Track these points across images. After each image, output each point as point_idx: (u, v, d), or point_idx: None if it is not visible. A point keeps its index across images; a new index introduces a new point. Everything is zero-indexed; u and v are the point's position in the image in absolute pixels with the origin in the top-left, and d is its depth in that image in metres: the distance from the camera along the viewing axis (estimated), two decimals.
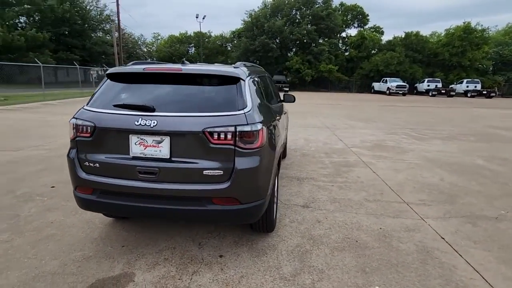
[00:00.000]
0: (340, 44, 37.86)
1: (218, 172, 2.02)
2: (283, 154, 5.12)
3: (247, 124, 2.05)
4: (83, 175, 2.16)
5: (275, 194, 2.89)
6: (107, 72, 2.36)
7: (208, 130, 1.98)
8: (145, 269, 2.23)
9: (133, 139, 2.05)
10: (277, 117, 3.04)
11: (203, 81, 2.23)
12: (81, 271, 2.18)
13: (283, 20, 33.16)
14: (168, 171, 2.03)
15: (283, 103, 4.52)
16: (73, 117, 2.19)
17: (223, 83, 2.22)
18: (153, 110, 2.05)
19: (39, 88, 17.49)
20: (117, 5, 23.49)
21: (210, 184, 2.03)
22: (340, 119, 11.13)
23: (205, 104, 2.14)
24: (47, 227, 2.79)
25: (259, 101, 2.49)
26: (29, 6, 29.50)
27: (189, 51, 42.42)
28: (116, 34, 23.62)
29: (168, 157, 2.04)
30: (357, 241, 2.70)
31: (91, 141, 2.11)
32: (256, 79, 2.72)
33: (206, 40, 41.64)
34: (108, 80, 2.33)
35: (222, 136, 1.99)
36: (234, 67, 2.41)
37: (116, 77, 2.33)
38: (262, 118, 2.26)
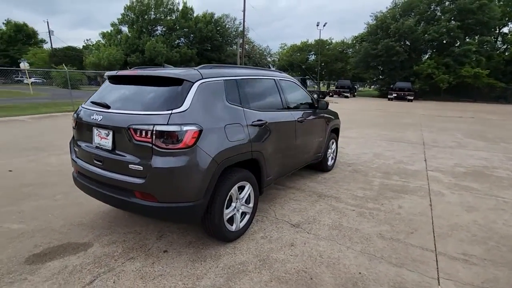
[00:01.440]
0: (499, 42, 29.58)
1: (138, 168, 2.14)
2: (321, 165, 4.61)
3: (167, 124, 2.07)
4: (73, 156, 2.74)
5: (243, 202, 2.72)
6: (105, 74, 2.87)
7: (133, 127, 2.13)
8: (103, 244, 2.60)
9: (95, 131, 2.44)
10: (267, 123, 2.87)
11: (153, 83, 2.40)
12: (68, 232, 2.77)
13: (414, 19, 28.83)
14: (109, 161, 2.32)
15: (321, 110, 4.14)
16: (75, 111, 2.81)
17: (168, 85, 2.32)
18: (108, 107, 2.38)
19: None
20: (243, 23, 26.61)
21: (132, 178, 2.17)
22: (453, 135, 8.79)
23: (147, 103, 2.29)
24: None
25: (217, 104, 2.44)
26: (186, 30, 37.54)
27: (309, 59, 43.09)
28: (240, 49, 26.85)
29: (111, 148, 2.31)
30: (312, 278, 2.20)
31: (76, 130, 2.66)
32: (229, 82, 2.65)
33: (327, 47, 41.21)
34: (107, 81, 2.84)
35: (143, 133, 2.10)
36: (191, 70, 2.46)
37: (109, 79, 2.80)
38: (202, 120, 2.22)
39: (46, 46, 49.34)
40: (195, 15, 38.23)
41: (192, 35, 38.12)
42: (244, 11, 25.29)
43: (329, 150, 4.81)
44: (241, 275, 2.21)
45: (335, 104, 20.94)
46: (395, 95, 25.44)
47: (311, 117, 3.95)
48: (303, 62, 41.38)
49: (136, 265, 2.32)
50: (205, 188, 2.24)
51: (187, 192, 2.18)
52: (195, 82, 2.34)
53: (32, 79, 42.37)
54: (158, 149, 2.07)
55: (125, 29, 38.28)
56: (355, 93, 31.42)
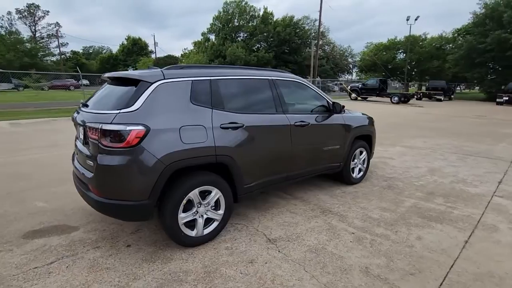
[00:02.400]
0: None
1: (90, 163, 2.27)
2: (342, 177, 4.06)
3: (111, 123, 2.13)
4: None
5: (209, 207, 2.60)
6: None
7: (87, 125, 2.27)
8: (86, 230, 2.87)
9: (78, 128, 2.71)
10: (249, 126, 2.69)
11: (121, 83, 2.50)
12: (70, 215, 3.16)
13: None
14: (79, 155, 2.54)
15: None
16: None
17: (129, 85, 2.38)
18: (87, 106, 2.61)
19: None
20: (319, 23, 25.78)
21: (88, 172, 2.32)
22: None
23: (108, 103, 2.40)
24: None
25: (176, 104, 2.40)
26: (265, 34, 38.75)
27: (396, 58, 38.73)
28: (314, 50, 26.06)
29: (83, 143, 2.53)
30: None
31: (75, 127, 3.01)
32: (199, 82, 2.57)
33: (419, 43, 36.25)
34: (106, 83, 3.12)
35: (93, 131, 2.21)
36: (156, 71, 2.47)
37: (105, 81, 3.06)
38: (151, 121, 2.21)
39: (154, 56, 58.41)
40: (274, 19, 39.08)
41: (271, 39, 39.05)
42: (320, 11, 24.50)
43: (356, 160, 4.18)
44: (174, 284, 2.11)
45: (419, 108, 18.26)
46: (507, 98, 20.48)
47: (321, 121, 3.50)
48: (389, 62, 37.42)
49: (96, 254, 2.47)
50: (150, 189, 2.22)
51: (129, 191, 2.21)
52: (154, 82, 2.35)
53: None
54: (103, 147, 2.15)
55: (212, 37, 41.99)
56: (452, 96, 26.61)
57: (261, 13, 39.10)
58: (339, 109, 3.64)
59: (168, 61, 49.42)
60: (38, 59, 53.79)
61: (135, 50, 65.94)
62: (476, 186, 4.25)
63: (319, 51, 43.48)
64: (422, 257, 2.47)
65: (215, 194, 2.61)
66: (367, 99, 23.82)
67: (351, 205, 3.54)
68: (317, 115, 3.52)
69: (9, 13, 63.56)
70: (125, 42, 67.05)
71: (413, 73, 39.04)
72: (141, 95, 2.28)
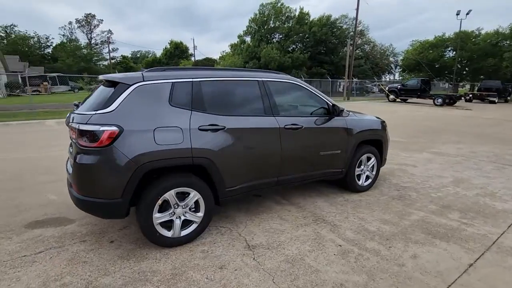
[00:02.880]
0: None
1: (72, 161, 2.39)
2: (346, 183, 3.82)
3: (86, 124, 2.22)
4: None
5: (187, 209, 2.60)
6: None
7: (70, 125, 2.40)
8: (80, 223, 3.04)
9: None
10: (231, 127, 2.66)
11: (107, 85, 2.59)
12: (72, 208, 3.38)
13: None
14: (69, 154, 2.69)
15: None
16: None
17: (111, 87, 2.47)
18: (78, 107, 2.76)
19: None
20: (355, 22, 24.70)
21: (70, 169, 2.45)
22: None
23: (91, 104, 2.50)
24: None
25: (152, 106, 2.43)
26: (301, 35, 38.22)
27: (444, 56, 35.63)
28: (350, 49, 25.01)
29: (70, 144, 2.68)
30: None
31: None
32: (180, 84, 2.58)
33: (472, 39, 32.96)
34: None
35: (73, 131, 2.32)
36: (136, 73, 2.53)
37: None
38: (125, 122, 2.27)
39: (194, 59, 61.05)
40: (311, 19, 38.33)
41: (306, 39, 38.37)
42: (357, 9, 23.48)
43: (362, 167, 3.90)
44: (138, 283, 2.13)
45: (466, 111, 16.61)
46: None
47: (318, 125, 3.32)
48: (436, 61, 34.55)
49: (80, 247, 2.60)
50: (122, 188, 2.28)
51: (103, 189, 2.28)
52: (132, 84, 2.41)
53: None
54: (80, 146, 2.26)
55: (248, 39, 42.50)
56: (508, 98, 23.70)
57: (297, 13, 38.64)
58: (339, 111, 3.42)
59: (206, 63, 51.14)
60: (92, 63, 59.33)
61: (176, 54, 69.51)
62: (505, 201, 3.71)
63: (357, 50, 41.71)
64: (410, 278, 2.21)
65: (194, 196, 2.60)
66: (407, 101, 22.25)
67: (349, 214, 3.30)
68: (314, 117, 3.35)
69: (70, 23, 70.55)
70: (168, 46, 71.10)
71: (464, 72, 35.56)
72: (119, 96, 2.35)
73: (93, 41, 67.50)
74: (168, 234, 2.54)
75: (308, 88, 3.43)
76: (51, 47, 63.48)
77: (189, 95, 2.61)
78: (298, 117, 3.21)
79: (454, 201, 3.68)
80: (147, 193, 2.39)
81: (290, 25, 38.20)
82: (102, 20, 74.07)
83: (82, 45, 62.94)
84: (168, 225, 2.56)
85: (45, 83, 32.03)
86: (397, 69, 45.88)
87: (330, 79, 28.07)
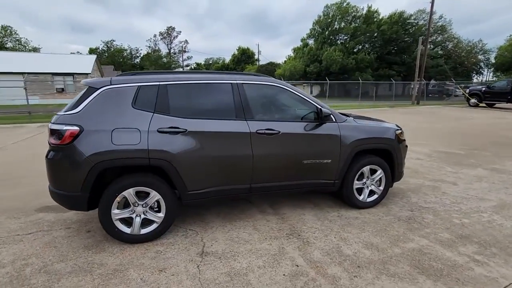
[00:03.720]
0: None
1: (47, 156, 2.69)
2: (343, 197, 3.41)
3: (54, 123, 2.48)
4: None
5: (147, 209, 2.68)
6: None
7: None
8: (75, 212, 3.40)
9: None
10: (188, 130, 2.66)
11: (84, 89, 2.83)
12: None
13: None
14: None
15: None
16: None
17: (85, 90, 2.70)
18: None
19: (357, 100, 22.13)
20: (429, 17, 21.88)
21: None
22: None
23: (68, 106, 2.74)
24: None
25: (115, 108, 2.58)
26: (368, 34, 35.80)
27: None
28: (422, 47, 22.22)
29: None
30: None
31: None
32: (146, 87, 2.67)
33: None
34: None
35: (48, 130, 2.61)
36: (107, 78, 2.70)
37: None
38: (87, 122, 2.47)
39: (258, 63, 62.94)
40: (380, 17, 35.54)
41: (374, 39, 35.74)
42: (432, 1, 20.79)
43: (364, 180, 3.42)
44: (80, 274, 2.27)
45: None
46: None
47: (300, 130, 3.05)
48: None
49: (61, 233, 2.91)
50: (81, 183, 2.47)
51: (65, 183, 2.51)
52: (99, 88, 2.60)
53: None
54: (49, 143, 2.53)
55: (311, 42, 41.76)
56: None
57: (364, 12, 36.31)
58: (329, 116, 3.07)
59: (269, 68, 52.01)
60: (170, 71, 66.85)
61: (243, 59, 72.74)
62: None
63: (436, 48, 36.81)
64: None
65: (154, 196, 2.67)
66: (494, 106, 18.65)
67: (332, 232, 2.93)
68: (297, 123, 3.08)
69: (154, 35, 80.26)
70: (236, 52, 74.96)
71: None
72: (86, 99, 2.57)
73: (172, 51, 75.51)
74: (127, 230, 2.65)
75: (294, 92, 3.17)
76: (139, 57, 73.47)
77: (153, 98, 2.69)
78: (275, 121, 3.00)
79: (479, 231, 2.93)
80: (107, 189, 2.54)
81: (356, 25, 36.11)
82: (180, 32, 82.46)
83: (162, 55, 71.23)
84: (129, 222, 2.67)
85: None
86: (488, 69, 38.91)
87: (393, 81, 25.34)
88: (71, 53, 48.01)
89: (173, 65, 71.78)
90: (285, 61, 51.93)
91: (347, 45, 36.02)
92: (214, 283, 2.17)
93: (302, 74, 37.25)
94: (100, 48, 73.40)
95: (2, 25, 55.89)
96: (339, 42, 38.04)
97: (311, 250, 2.61)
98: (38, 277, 2.23)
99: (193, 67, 78.84)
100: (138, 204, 2.66)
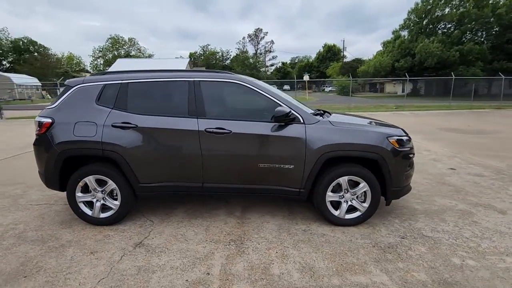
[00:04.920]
0: None
1: None
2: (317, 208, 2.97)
3: (38, 116, 2.97)
4: None
5: (106, 195, 2.95)
6: None
7: None
8: None
9: None
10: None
11: None
12: None
13: None
14: None
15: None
16: None
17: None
18: None
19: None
20: None
21: None
22: None
23: (54, 102, 3.20)
24: None
25: (81, 104, 2.91)
26: (479, 21, 29.43)
27: None
28: None
29: None
30: None
31: None
32: (110, 85, 2.92)
33: None
34: None
35: None
36: (84, 77, 3.06)
37: None
38: (58, 116, 2.88)
39: (343, 60, 59.65)
40: None
41: (487, 25, 29.02)
42: None
43: (343, 193, 2.91)
44: (37, 244, 2.67)
45: None
46: None
47: (255, 131, 2.80)
48: None
49: (57, 208, 3.47)
50: (52, 167, 2.89)
51: (42, 166, 2.96)
52: (74, 86, 2.98)
53: (330, 88, 53.77)
54: (35, 132, 3.04)
55: (405, 33, 37.00)
56: None
57: None
58: (281, 119, 2.72)
59: (354, 65, 48.66)
60: (255, 70, 69.87)
61: (328, 56, 70.15)
62: None
63: None
64: None
65: (110, 185, 2.91)
66: None
67: (279, 246, 2.60)
68: (255, 123, 2.84)
69: (243, 38, 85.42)
70: (321, 50, 72.83)
71: None
72: (63, 96, 2.98)
73: (258, 51, 78.87)
74: (89, 212, 2.97)
75: (257, 89, 2.92)
76: (229, 59, 79.55)
77: (114, 95, 2.92)
78: (228, 120, 2.83)
79: (477, 281, 2.11)
80: (73, 175, 2.91)
81: (464, 9, 30.09)
82: (267, 33, 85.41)
83: (249, 56, 75.15)
84: (89, 204, 3.00)
85: None
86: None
87: (503, 76, 19.26)
88: (176, 57, 55.41)
89: (258, 65, 74.99)
90: (374, 56, 47.68)
91: (450, 35, 30.43)
92: (121, 273, 2.24)
93: (389, 70, 33.45)
94: (198, 52, 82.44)
95: (128, 38, 69.33)
96: (439, 32, 32.50)
97: (238, 261, 2.39)
98: (9, 240, 2.75)
99: (278, 67, 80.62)
100: (98, 191, 2.94)
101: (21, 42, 53.56)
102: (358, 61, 50.35)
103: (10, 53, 52.97)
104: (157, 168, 2.87)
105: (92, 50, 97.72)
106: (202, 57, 79.44)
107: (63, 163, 2.89)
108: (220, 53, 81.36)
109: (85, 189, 2.96)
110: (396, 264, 2.32)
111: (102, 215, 2.98)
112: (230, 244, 2.65)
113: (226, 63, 78.90)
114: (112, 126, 2.82)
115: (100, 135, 2.81)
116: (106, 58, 64.04)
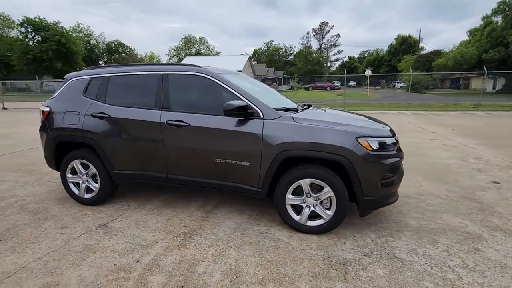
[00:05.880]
0: None
1: None
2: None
3: (42, 105, 3.43)
4: None
5: (89, 178, 3.27)
6: None
7: None
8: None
9: None
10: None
11: None
12: None
13: None
14: None
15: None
16: None
17: None
18: None
19: None
20: None
21: None
22: None
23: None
24: None
25: (72, 95, 3.26)
26: None
27: None
28: None
29: None
30: None
31: None
32: (96, 79, 3.20)
33: None
34: None
35: None
36: (82, 71, 3.41)
37: None
38: (55, 105, 3.29)
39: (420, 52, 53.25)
40: None
41: None
42: None
43: (305, 197, 2.64)
44: (26, 213, 3.12)
45: None
46: None
47: (212, 125, 2.73)
48: None
49: (56, 187, 3.99)
50: (49, 150, 3.32)
51: (45, 148, 3.42)
52: (69, 79, 3.36)
53: (401, 84, 48.82)
54: (41, 120, 3.50)
55: (498, 19, 31.09)
56: None
57: None
58: (231, 111, 2.56)
59: (431, 58, 43.05)
60: (317, 66, 67.59)
61: (402, 49, 63.43)
62: None
63: None
64: None
65: (91, 169, 3.22)
66: None
67: (222, 245, 2.51)
68: (213, 116, 2.76)
69: (307, 32, 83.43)
70: (394, 42, 66.28)
71: None
72: (61, 88, 3.39)
73: (323, 46, 76.05)
74: (76, 192, 3.34)
75: (220, 82, 2.82)
76: (292, 54, 78.75)
77: (97, 88, 3.19)
78: (187, 113, 2.82)
79: None
80: (63, 159, 3.31)
81: None
82: (332, 26, 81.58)
83: (313, 51, 72.96)
84: (76, 185, 3.35)
85: (274, 83, 40.81)
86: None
87: None
88: (240, 54, 57.45)
89: (321, 60, 72.27)
90: (456, 47, 41.42)
91: None
92: (69, 249, 2.46)
93: (474, 62, 28.63)
94: (262, 49, 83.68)
95: (199, 37, 74.63)
96: None
97: (172, 254, 2.39)
98: (13, 208, 3.27)
99: (344, 61, 76.45)
100: (83, 174, 3.28)
101: (112, 45, 62.58)
102: (436, 54, 44.30)
103: (104, 54, 62.39)
104: (126, 157, 3.05)
105: (168, 49, 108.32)
106: (266, 54, 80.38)
107: (56, 147, 3.29)
108: (284, 49, 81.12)
109: (74, 171, 3.33)
110: (334, 284, 2.02)
111: (86, 196, 3.31)
112: (179, 236, 2.67)
113: (289, 59, 78.29)
114: (91, 115, 3.10)
115: (82, 123, 3.11)
116: (180, 56, 70.15)
